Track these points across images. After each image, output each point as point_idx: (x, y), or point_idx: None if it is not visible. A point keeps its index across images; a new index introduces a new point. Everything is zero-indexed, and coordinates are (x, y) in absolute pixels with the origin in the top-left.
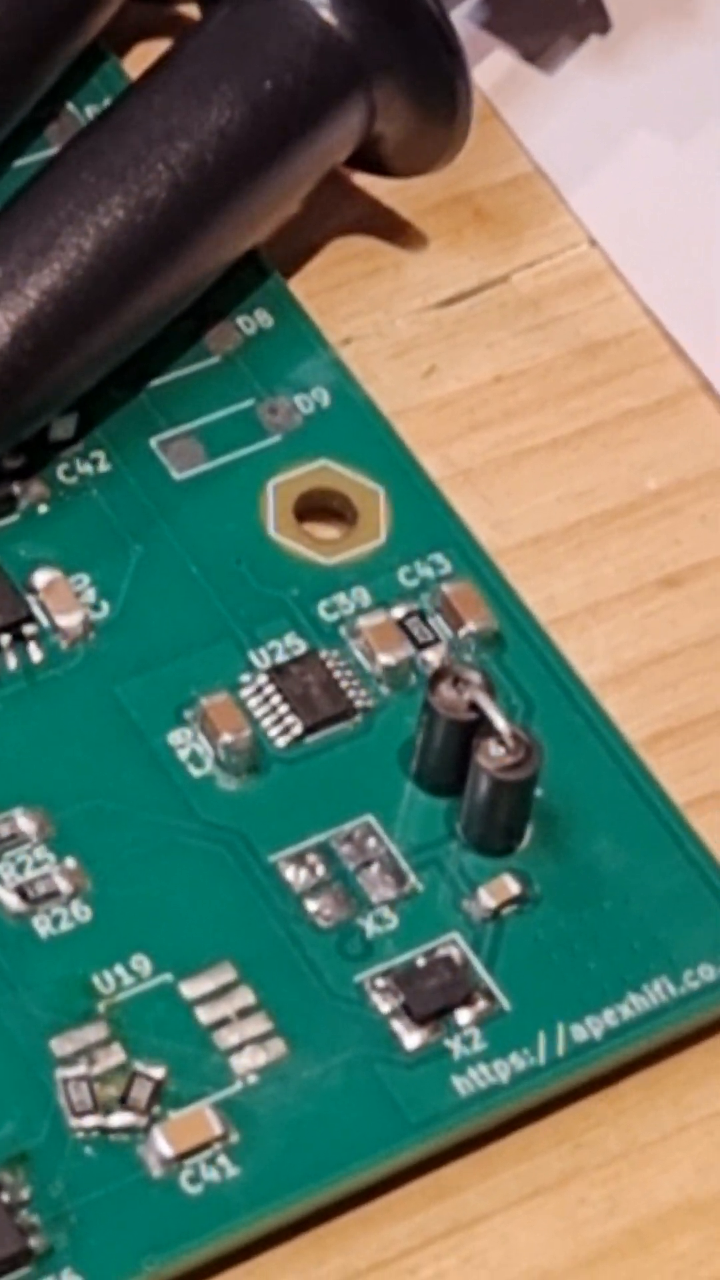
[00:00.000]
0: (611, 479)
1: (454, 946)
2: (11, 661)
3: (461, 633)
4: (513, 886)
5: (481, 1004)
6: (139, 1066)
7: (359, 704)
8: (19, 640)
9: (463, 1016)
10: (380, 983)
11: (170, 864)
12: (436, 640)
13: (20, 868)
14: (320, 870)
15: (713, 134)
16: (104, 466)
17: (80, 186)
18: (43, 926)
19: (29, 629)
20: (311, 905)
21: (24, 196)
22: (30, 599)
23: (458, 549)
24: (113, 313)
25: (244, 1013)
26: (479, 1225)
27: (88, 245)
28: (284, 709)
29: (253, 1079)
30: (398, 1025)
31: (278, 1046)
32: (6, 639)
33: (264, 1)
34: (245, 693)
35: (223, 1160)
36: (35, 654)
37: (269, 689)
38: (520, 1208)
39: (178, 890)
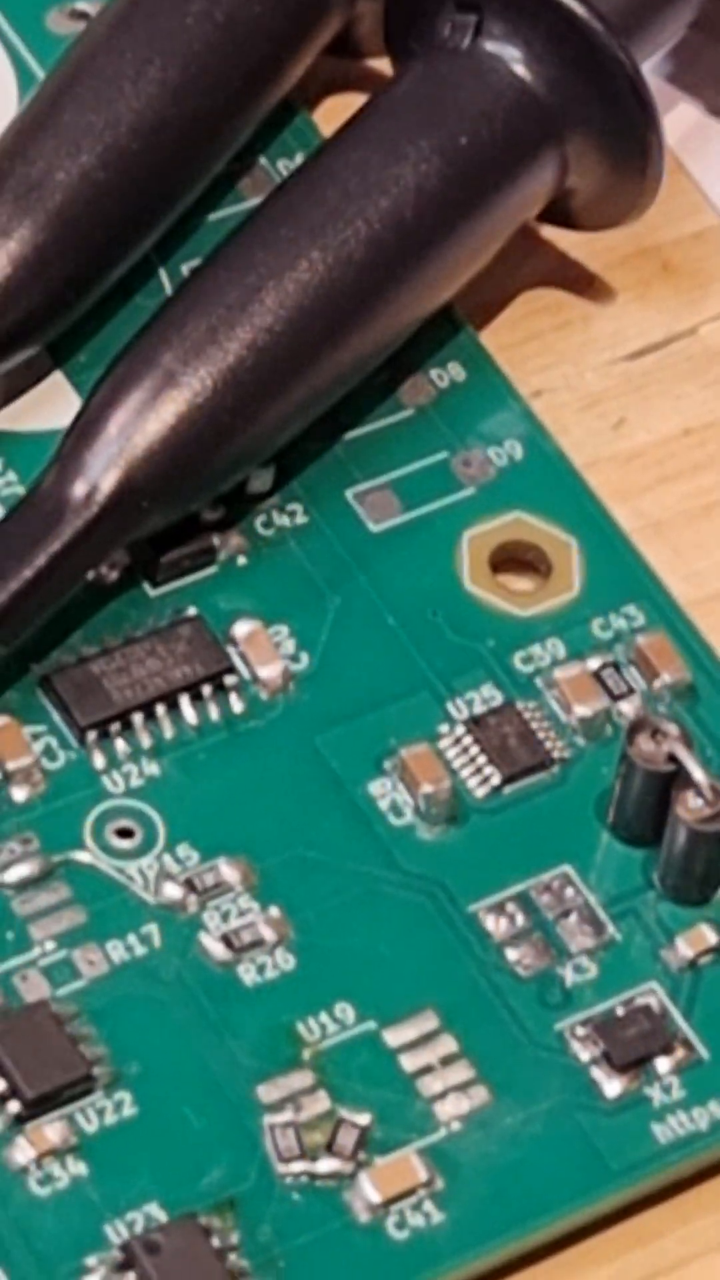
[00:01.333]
0: None
1: (653, 995)
2: (214, 712)
3: (656, 684)
4: (710, 936)
5: (680, 1052)
6: (344, 1113)
7: (556, 755)
8: (220, 691)
9: (662, 1065)
10: (580, 1031)
11: (372, 913)
12: (631, 691)
13: (225, 916)
14: (520, 920)
15: None
16: (301, 518)
17: (279, 242)
18: (248, 975)
19: (230, 680)
20: (512, 954)
21: (223, 251)
22: (231, 650)
23: (650, 601)
24: (310, 367)
25: (447, 1060)
26: (678, 1271)
27: (286, 300)
28: (482, 759)
29: (456, 1126)
30: (598, 1073)
31: (481, 1094)
32: (208, 689)
33: (458, 57)
34: (444, 743)
35: (428, 1206)
36: (236, 705)
37: (467, 739)
38: (719, 1254)
39: (379, 939)
